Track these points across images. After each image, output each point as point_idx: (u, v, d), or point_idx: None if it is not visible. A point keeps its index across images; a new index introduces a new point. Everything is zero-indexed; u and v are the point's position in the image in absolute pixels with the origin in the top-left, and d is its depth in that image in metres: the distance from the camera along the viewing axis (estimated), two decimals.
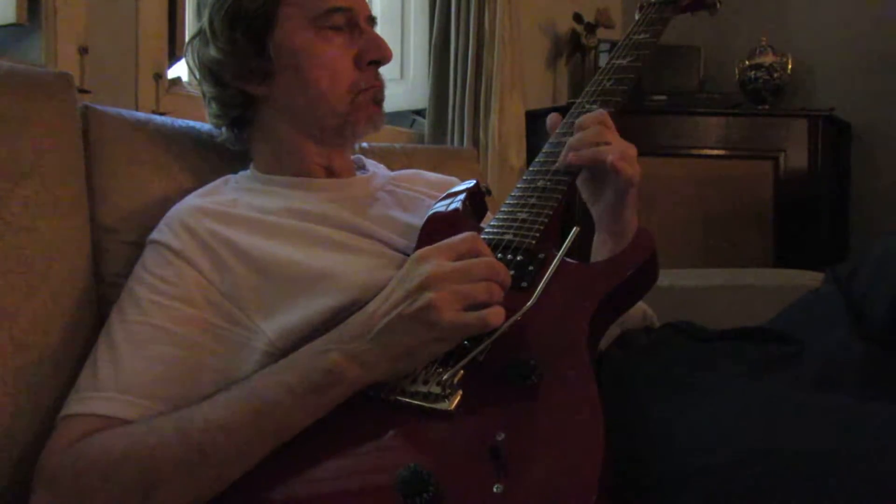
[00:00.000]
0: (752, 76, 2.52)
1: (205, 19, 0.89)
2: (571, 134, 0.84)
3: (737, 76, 2.58)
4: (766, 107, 2.51)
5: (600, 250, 0.85)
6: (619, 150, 0.78)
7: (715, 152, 2.40)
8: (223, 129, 0.96)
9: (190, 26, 1.62)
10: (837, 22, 2.64)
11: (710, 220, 2.37)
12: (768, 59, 2.52)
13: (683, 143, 2.39)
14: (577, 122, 0.84)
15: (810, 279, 1.42)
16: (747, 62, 2.55)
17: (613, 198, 0.82)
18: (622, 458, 0.58)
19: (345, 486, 0.60)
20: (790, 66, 2.55)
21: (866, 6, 2.59)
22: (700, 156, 2.40)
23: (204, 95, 0.94)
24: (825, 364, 0.73)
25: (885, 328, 0.78)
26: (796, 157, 2.35)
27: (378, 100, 0.91)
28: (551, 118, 0.92)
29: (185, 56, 0.95)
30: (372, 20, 0.92)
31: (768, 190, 2.36)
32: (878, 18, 2.57)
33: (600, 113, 0.84)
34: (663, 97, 2.47)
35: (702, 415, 0.62)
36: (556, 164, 0.84)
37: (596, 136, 0.81)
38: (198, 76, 0.93)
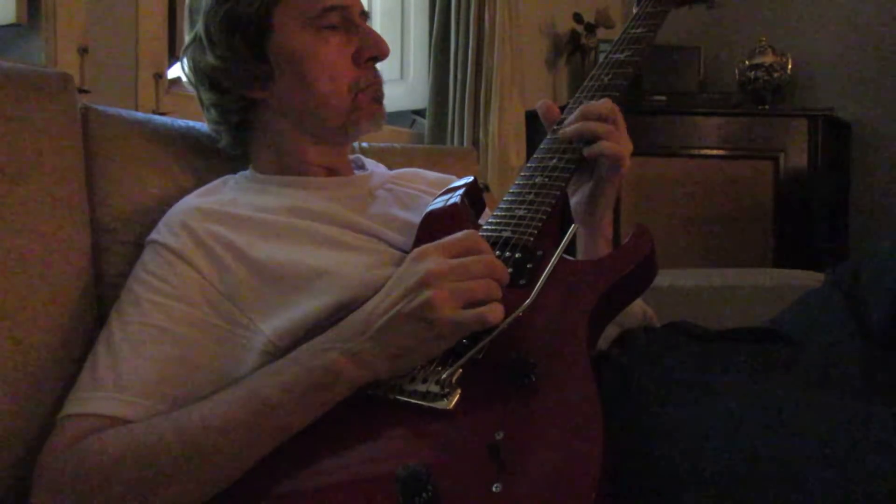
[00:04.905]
0: (752, 76, 2.52)
1: (199, 27, 0.87)
2: None
3: (737, 76, 2.58)
4: (766, 107, 2.51)
5: (577, 246, 0.87)
6: (621, 143, 0.82)
7: (715, 152, 2.40)
8: (222, 134, 0.95)
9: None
10: (837, 22, 2.64)
11: (710, 220, 2.37)
12: (768, 59, 2.52)
13: (683, 143, 2.40)
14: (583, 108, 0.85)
15: (810, 279, 1.42)
16: (747, 62, 2.55)
17: (593, 185, 0.85)
18: (622, 459, 0.58)
19: (343, 485, 0.60)
20: (790, 66, 2.55)
21: (866, 6, 2.59)
22: (700, 156, 2.40)
23: (202, 102, 0.93)
24: (825, 364, 0.73)
25: (885, 328, 0.78)
26: (796, 157, 2.35)
27: (378, 97, 0.91)
28: (543, 105, 0.91)
29: (181, 64, 0.93)
30: (365, 14, 0.92)
31: (768, 190, 2.37)
32: (878, 18, 2.57)
33: (607, 100, 0.86)
34: (663, 97, 2.47)
35: (702, 416, 0.62)
36: (564, 134, 0.85)
37: (608, 111, 0.83)
38: (195, 84, 0.92)
